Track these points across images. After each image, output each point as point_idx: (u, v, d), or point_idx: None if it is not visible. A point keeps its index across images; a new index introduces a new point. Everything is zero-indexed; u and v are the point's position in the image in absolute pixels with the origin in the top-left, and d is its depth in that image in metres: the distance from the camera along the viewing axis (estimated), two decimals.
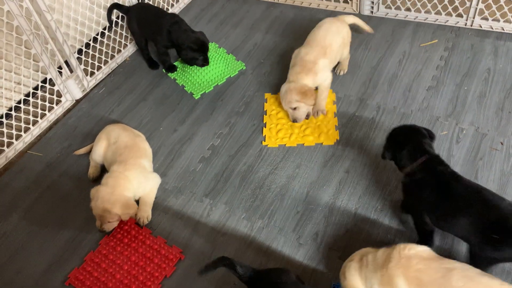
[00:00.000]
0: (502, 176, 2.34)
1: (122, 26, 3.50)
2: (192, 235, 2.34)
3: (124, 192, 2.31)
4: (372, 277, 1.73)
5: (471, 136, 2.55)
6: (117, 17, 3.45)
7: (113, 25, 3.36)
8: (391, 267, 1.68)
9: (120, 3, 3.43)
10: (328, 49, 2.75)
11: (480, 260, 1.87)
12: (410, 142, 2.03)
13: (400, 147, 2.05)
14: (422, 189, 1.97)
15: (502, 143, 2.48)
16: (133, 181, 2.37)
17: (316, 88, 2.79)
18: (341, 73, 3.05)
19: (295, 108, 2.68)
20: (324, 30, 2.84)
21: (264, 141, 2.72)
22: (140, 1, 3.65)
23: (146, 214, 2.41)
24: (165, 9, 3.61)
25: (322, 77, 2.74)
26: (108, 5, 3.30)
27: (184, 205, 2.49)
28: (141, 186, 2.43)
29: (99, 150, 2.62)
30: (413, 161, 2.01)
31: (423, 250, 1.72)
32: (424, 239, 2.07)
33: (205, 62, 3.12)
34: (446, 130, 2.61)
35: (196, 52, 3.05)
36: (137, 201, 2.46)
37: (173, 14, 3.16)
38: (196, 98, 3.12)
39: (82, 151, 2.81)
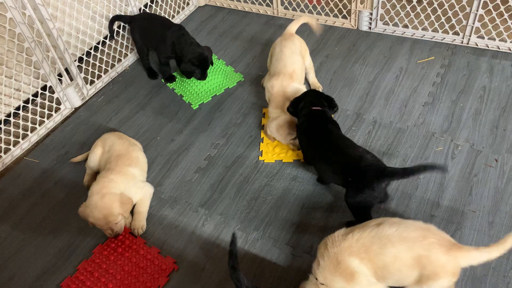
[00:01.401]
0: (496, 193, 2.35)
1: (123, 36, 3.54)
2: (186, 245, 2.34)
3: (112, 191, 2.30)
4: (338, 282, 1.77)
5: (466, 152, 2.58)
6: (118, 27, 3.49)
7: (114, 36, 3.39)
8: (342, 259, 1.75)
9: (122, 13, 3.47)
10: (293, 74, 2.75)
11: (352, 206, 2.16)
12: (305, 99, 2.45)
13: (298, 102, 2.48)
14: (303, 135, 2.39)
15: (496, 160, 2.50)
16: (119, 184, 2.36)
17: None
18: (319, 90, 3.06)
19: (295, 138, 2.66)
20: (283, 56, 2.80)
21: (261, 156, 2.73)
22: (143, 11, 3.70)
23: (140, 224, 2.41)
24: None
25: None
26: (110, 15, 3.34)
27: (179, 215, 2.49)
28: (128, 191, 2.40)
29: (95, 158, 2.63)
30: (303, 113, 2.41)
31: (343, 230, 1.85)
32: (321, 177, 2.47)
33: (202, 76, 3.14)
34: (442, 146, 2.63)
35: (196, 67, 3.09)
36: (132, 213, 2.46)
37: (179, 26, 3.19)
38: (194, 108, 3.14)
39: (78, 158, 2.82)
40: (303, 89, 2.75)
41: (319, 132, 2.32)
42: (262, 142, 2.81)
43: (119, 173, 2.41)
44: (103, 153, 2.61)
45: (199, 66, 3.08)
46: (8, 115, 3.01)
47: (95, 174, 2.68)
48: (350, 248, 1.77)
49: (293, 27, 3.02)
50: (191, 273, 2.21)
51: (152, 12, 3.72)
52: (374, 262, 1.73)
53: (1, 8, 2.62)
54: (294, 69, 2.74)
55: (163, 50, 3.16)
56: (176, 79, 3.38)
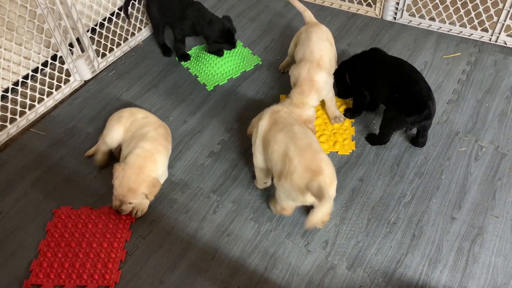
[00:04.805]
0: None
1: (138, 9, 3.39)
2: (196, 232, 2.25)
3: (151, 174, 2.24)
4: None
5: (491, 154, 2.48)
6: None
7: (129, 17, 3.26)
8: (272, 117, 2.22)
9: None
10: (321, 61, 2.55)
11: (384, 119, 2.43)
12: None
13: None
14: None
15: None
16: (159, 166, 2.30)
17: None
18: None
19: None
20: (310, 42, 2.62)
21: None
22: None
23: (142, 207, 2.31)
24: None
25: (324, 93, 2.56)
26: None
27: (189, 200, 2.40)
28: (163, 174, 2.39)
29: (119, 130, 2.47)
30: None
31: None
32: (358, 109, 2.72)
33: (230, 47, 3.08)
34: (465, 146, 2.53)
35: (223, 44, 3.03)
36: None
37: (198, 4, 3.05)
38: (208, 89, 3.02)
39: (91, 152, 2.63)
40: (331, 80, 2.59)
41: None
42: None
43: (164, 149, 2.38)
44: (134, 121, 2.48)
45: (225, 42, 3.00)
46: (16, 84, 2.89)
47: (109, 152, 2.55)
48: (279, 118, 2.19)
49: (310, 16, 2.89)
50: (200, 261, 2.14)
51: None
52: (273, 135, 2.11)
53: None
54: (321, 55, 2.55)
55: (181, 28, 3.04)
56: (191, 58, 3.25)
